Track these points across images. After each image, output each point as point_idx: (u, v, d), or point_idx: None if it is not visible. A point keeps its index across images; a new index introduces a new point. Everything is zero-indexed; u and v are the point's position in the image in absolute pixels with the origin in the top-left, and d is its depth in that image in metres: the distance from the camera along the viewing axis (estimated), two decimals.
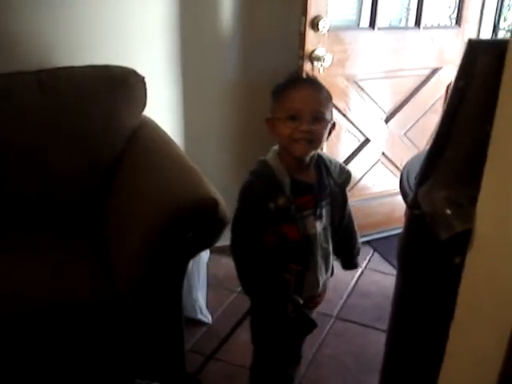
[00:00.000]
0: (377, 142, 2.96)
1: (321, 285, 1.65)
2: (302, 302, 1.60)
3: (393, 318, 1.59)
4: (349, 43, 2.67)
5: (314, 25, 2.50)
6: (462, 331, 1.18)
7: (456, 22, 2.96)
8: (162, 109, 2.63)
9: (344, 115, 2.81)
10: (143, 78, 2.29)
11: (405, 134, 3.04)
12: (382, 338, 2.20)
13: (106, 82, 2.27)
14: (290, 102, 1.48)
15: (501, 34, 3.12)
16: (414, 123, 3.05)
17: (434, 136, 1.14)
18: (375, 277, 2.85)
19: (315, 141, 1.48)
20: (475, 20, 2.99)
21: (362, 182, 3.03)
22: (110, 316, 1.80)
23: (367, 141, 2.93)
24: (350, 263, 1.81)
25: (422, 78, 2.97)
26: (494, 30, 3.07)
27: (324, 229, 1.60)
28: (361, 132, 2.90)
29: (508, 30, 3.57)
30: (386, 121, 2.95)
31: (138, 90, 2.29)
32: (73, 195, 2.18)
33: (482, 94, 1.02)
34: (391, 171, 3.08)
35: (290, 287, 1.56)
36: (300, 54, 2.56)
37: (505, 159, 1.01)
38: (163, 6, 2.47)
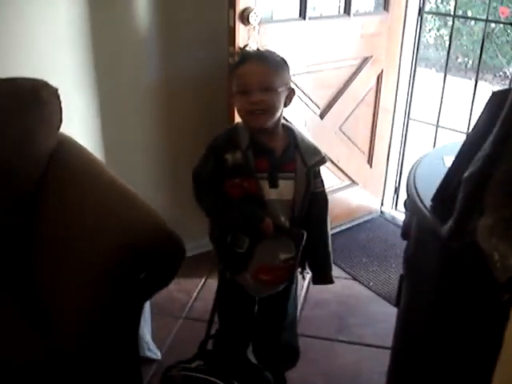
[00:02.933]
0: (313, 139, 2.77)
1: (275, 260, 1.64)
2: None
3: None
4: (281, 36, 2.46)
5: (244, 18, 2.27)
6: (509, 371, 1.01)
7: (384, 8, 2.82)
8: (77, 122, 2.32)
9: None
10: (56, 89, 1.96)
11: (339, 128, 2.89)
12: (347, 350, 2.06)
13: (14, 97, 1.92)
14: (240, 77, 1.59)
15: (425, 18, 3.02)
16: (348, 116, 2.90)
17: (480, 159, 0.95)
18: None
19: (268, 110, 1.57)
20: (402, 5, 2.87)
21: None
22: (52, 377, 1.51)
23: None
24: (321, 275, 1.79)
25: (354, 69, 2.82)
26: (419, 13, 2.97)
27: (281, 201, 1.63)
28: None
29: (430, 12, 3.53)
30: (321, 116, 2.78)
31: (52, 104, 1.95)
32: None
33: None
34: (328, 168, 2.92)
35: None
36: (230, 50, 2.32)
37: None
38: (69, 7, 2.15)
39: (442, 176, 1.21)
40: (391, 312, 2.46)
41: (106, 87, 2.35)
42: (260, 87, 1.55)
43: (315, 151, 1.68)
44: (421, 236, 1.30)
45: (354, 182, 3.08)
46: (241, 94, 1.58)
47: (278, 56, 1.66)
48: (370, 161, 3.13)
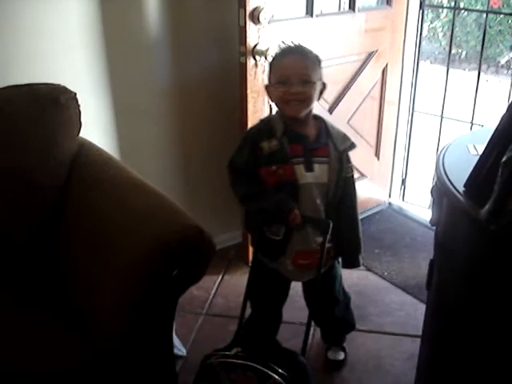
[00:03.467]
0: None
1: (312, 244, 1.78)
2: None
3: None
4: (289, 34, 2.50)
5: (255, 17, 2.31)
6: None
7: (387, 3, 2.87)
8: (93, 125, 2.34)
9: None
10: (75, 94, 1.99)
11: (348, 122, 2.93)
12: (368, 338, 2.33)
13: (34, 103, 1.93)
14: (281, 69, 1.75)
15: (426, 11, 3.07)
16: (356, 110, 2.94)
17: None
18: None
19: (305, 100, 1.73)
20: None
21: None
22: (94, 378, 1.54)
23: None
24: (351, 258, 1.91)
25: (360, 64, 2.87)
26: (420, 7, 3.02)
27: (317, 185, 1.76)
28: None
29: (431, 6, 3.59)
30: (330, 111, 2.82)
31: (71, 109, 1.98)
32: (18, 237, 1.86)
33: None
34: None
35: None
36: (241, 49, 2.36)
37: None
38: (81, 11, 2.18)
39: (470, 163, 1.25)
40: (407, 301, 2.55)
41: (120, 90, 2.38)
42: (300, 79, 1.70)
43: (345, 137, 1.82)
44: (453, 220, 1.34)
45: (362, 175, 3.13)
46: (280, 84, 1.72)
47: (314, 52, 1.81)
48: (377, 153, 3.18)
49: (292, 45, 1.82)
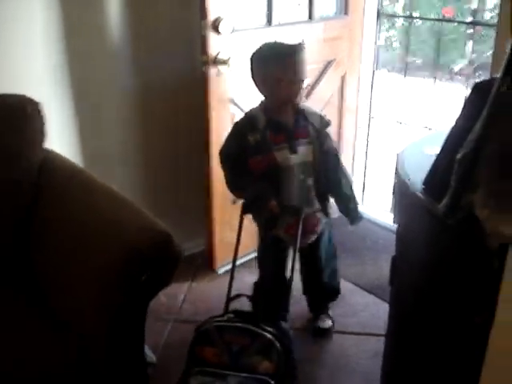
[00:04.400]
0: None
1: (302, 214, 1.99)
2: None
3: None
4: (250, 43, 2.55)
5: (216, 27, 2.36)
6: (504, 334, 1.12)
7: (344, 12, 2.96)
8: (55, 134, 2.34)
9: None
10: (40, 104, 2.01)
11: None
12: (335, 339, 2.41)
13: (0, 113, 1.96)
14: (292, 65, 1.96)
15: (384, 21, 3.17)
16: None
17: (471, 141, 1.06)
18: None
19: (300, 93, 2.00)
20: (361, 8, 3.01)
21: None
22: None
23: None
24: (351, 216, 2.17)
25: (319, 72, 2.94)
26: (377, 16, 3.12)
27: (302, 164, 2.03)
28: None
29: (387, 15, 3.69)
30: None
31: (36, 119, 2.02)
32: None
33: None
34: None
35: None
36: (203, 59, 2.41)
37: None
38: (43, 18, 2.19)
39: (428, 162, 1.32)
40: (371, 301, 2.62)
41: (82, 99, 2.40)
42: (299, 74, 1.99)
43: (320, 117, 2.10)
44: (413, 217, 1.41)
45: None
46: (286, 80, 1.96)
47: None
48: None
49: (296, 43, 2.03)
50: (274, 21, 2.63)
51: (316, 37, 2.83)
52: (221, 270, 2.82)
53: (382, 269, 2.80)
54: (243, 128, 2.05)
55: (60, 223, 1.76)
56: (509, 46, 1.01)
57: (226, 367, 1.77)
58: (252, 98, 2.61)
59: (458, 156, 1.08)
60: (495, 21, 4.83)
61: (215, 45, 2.39)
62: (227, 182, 2.13)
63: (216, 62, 2.41)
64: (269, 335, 1.76)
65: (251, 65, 2.07)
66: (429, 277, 1.36)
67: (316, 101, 2.95)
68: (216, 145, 2.54)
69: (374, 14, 3.10)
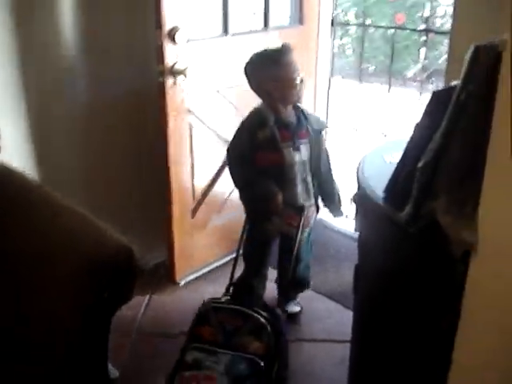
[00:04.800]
0: None
1: (300, 204, 2.22)
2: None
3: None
4: (207, 53, 2.55)
5: (172, 37, 2.34)
6: (468, 336, 1.13)
7: (299, 21, 2.97)
8: (9, 148, 2.27)
9: (210, 127, 2.68)
10: None
11: None
12: (301, 347, 2.41)
13: None
14: (285, 65, 2.14)
15: (338, 29, 3.20)
16: None
17: (431, 150, 1.07)
18: None
19: (298, 92, 2.17)
20: (315, 17, 3.03)
21: (234, 194, 2.92)
22: None
23: None
24: (335, 211, 2.39)
25: None
26: (332, 25, 3.15)
27: (303, 162, 2.19)
28: (226, 142, 2.78)
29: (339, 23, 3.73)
30: None
31: None
32: None
33: (483, 94, 0.96)
34: None
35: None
36: (159, 69, 2.38)
37: (504, 161, 0.97)
38: None
39: (388, 170, 1.33)
40: (335, 308, 2.62)
41: (35, 112, 2.33)
42: (297, 73, 2.17)
43: (319, 120, 2.30)
44: (374, 225, 1.41)
45: None
46: (286, 79, 2.13)
47: None
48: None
49: (286, 43, 2.21)
50: (231, 30, 2.62)
51: (272, 45, 2.83)
52: (182, 282, 2.79)
53: (344, 276, 2.82)
54: (253, 124, 2.18)
55: (16, 239, 1.70)
56: (469, 54, 1.02)
57: (219, 345, 1.91)
58: (209, 107, 2.62)
59: (420, 164, 1.09)
60: (446, 27, 4.94)
61: (171, 55, 2.37)
62: (236, 180, 2.27)
63: (173, 72, 2.39)
64: (261, 318, 1.91)
65: (247, 75, 2.21)
66: (391, 284, 1.37)
67: None
68: (174, 156, 2.52)
69: (328, 23, 3.12)
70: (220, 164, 2.80)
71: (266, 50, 2.21)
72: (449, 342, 1.14)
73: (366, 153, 1.64)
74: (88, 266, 1.49)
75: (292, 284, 2.44)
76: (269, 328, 1.91)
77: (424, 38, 5.97)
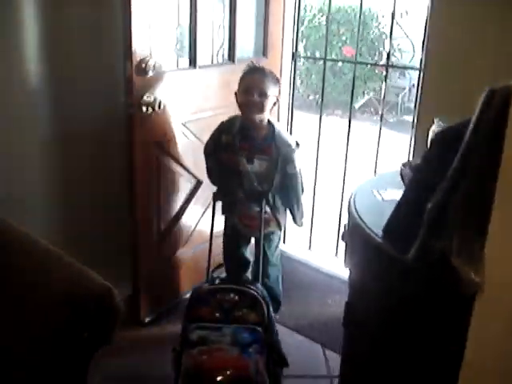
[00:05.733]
0: (208, 184, 2.84)
1: (250, 212, 2.44)
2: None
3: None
4: (176, 85, 2.52)
5: (141, 69, 2.30)
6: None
7: (263, 54, 2.99)
8: None
9: (176, 160, 2.64)
10: None
11: None
12: None
13: None
14: (247, 82, 2.36)
15: (298, 61, 3.23)
16: None
17: (441, 190, 1.07)
18: None
19: (261, 108, 2.33)
20: (278, 50, 3.06)
21: (199, 227, 2.89)
22: None
23: (199, 183, 2.80)
24: (294, 221, 2.56)
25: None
26: (292, 58, 3.18)
27: (256, 173, 2.38)
28: (193, 175, 2.76)
29: (303, 57, 3.77)
30: None
31: None
32: None
33: (494, 135, 0.97)
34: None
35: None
36: (128, 101, 2.34)
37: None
38: None
39: (381, 208, 1.33)
40: (302, 342, 2.59)
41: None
42: (259, 92, 2.30)
43: (287, 143, 2.39)
44: (371, 263, 1.40)
45: None
46: (244, 93, 2.32)
47: (274, 73, 2.45)
48: None
49: (257, 65, 2.45)
50: (198, 62, 2.60)
51: (237, 78, 2.83)
52: (147, 319, 2.71)
53: (309, 308, 2.80)
54: (221, 129, 2.43)
55: None
56: (482, 97, 1.03)
57: (219, 322, 2.07)
58: (176, 140, 2.59)
59: (429, 206, 1.09)
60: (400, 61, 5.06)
61: (140, 86, 2.33)
62: (207, 173, 2.54)
63: (141, 103, 2.35)
64: (253, 291, 2.11)
65: None
66: (392, 321, 1.36)
67: None
68: (141, 188, 2.47)
69: (289, 56, 3.15)
70: (186, 197, 2.76)
71: (251, 63, 2.47)
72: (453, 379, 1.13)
73: (356, 187, 1.64)
74: (66, 306, 1.44)
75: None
76: (261, 299, 2.10)
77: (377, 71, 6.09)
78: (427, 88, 2.41)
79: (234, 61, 2.81)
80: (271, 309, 2.17)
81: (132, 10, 2.21)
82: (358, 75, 7.09)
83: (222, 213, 2.56)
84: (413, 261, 1.14)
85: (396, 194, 1.49)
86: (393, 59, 6.64)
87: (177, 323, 2.57)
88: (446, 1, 2.31)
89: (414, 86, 7.30)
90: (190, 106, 2.63)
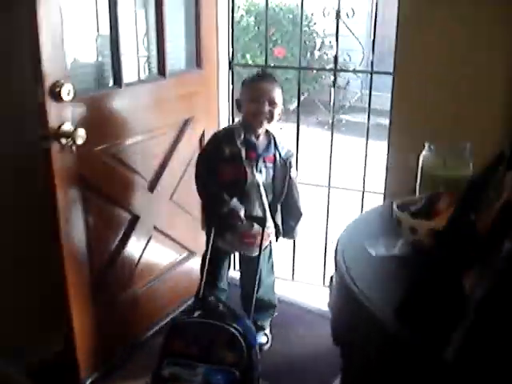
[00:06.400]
0: (147, 217, 2.48)
1: (253, 230, 2.30)
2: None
3: None
4: (100, 109, 2.15)
5: (56, 94, 1.91)
6: None
7: (197, 65, 2.64)
8: None
9: (106, 195, 2.26)
10: None
11: (171, 198, 2.62)
12: None
13: None
14: (255, 90, 2.23)
15: (235, 70, 2.90)
16: (178, 184, 2.64)
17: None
18: None
19: (270, 118, 2.23)
20: (213, 60, 2.73)
21: (145, 263, 2.53)
22: None
23: (136, 218, 2.43)
24: (287, 233, 2.46)
25: (177, 133, 2.58)
26: (229, 68, 2.85)
27: (264, 183, 2.29)
28: (128, 210, 2.38)
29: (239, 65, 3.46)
30: (151, 189, 2.49)
31: None
32: None
33: None
34: (163, 243, 2.64)
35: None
36: (42, 133, 1.94)
37: None
38: None
39: (375, 266, 1.02)
40: None
41: None
42: (269, 101, 2.20)
43: (288, 149, 2.37)
44: (368, 338, 1.08)
45: (191, 253, 2.83)
46: (252, 102, 2.21)
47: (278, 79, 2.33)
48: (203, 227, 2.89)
49: (265, 71, 2.45)
50: (124, 80, 2.23)
51: (170, 94, 2.48)
52: (89, 380, 2.30)
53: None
54: (221, 139, 2.25)
55: None
56: None
57: (195, 358, 1.96)
58: (106, 171, 2.22)
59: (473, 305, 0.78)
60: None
61: (56, 114, 1.94)
62: (199, 184, 2.31)
63: (59, 135, 1.96)
64: (232, 329, 1.96)
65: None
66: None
67: (176, 165, 2.61)
68: (66, 231, 2.08)
69: (226, 65, 2.82)
70: (121, 236, 2.38)
71: (257, 72, 2.39)
72: None
73: (343, 231, 1.33)
74: None
75: (257, 308, 2.33)
76: (240, 339, 1.96)
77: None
78: (398, 92, 2.22)
79: (164, 75, 2.44)
80: (255, 350, 2.03)
81: (39, 21, 1.81)
82: (291, 77, 6.83)
83: (213, 235, 2.31)
84: (451, 358, 0.82)
85: (389, 248, 1.21)
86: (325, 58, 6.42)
87: (132, 376, 2.23)
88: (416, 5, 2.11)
89: (348, 83, 7.09)
90: (118, 131, 2.26)
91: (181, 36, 2.66)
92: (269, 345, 2.54)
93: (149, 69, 2.54)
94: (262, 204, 2.30)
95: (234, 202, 2.21)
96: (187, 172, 2.66)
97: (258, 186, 2.27)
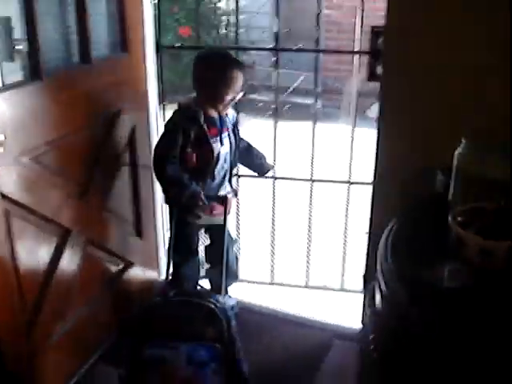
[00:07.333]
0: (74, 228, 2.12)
1: (220, 193, 2.30)
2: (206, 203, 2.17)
3: None
4: (16, 109, 1.76)
5: None
6: None
7: (123, 50, 2.29)
8: None
9: (35, 210, 1.89)
10: None
11: (104, 206, 2.27)
12: None
13: None
14: (239, 78, 2.18)
15: (164, 52, 2.57)
16: (110, 187, 2.31)
17: None
18: None
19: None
20: (139, 42, 2.38)
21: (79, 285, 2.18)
22: None
23: (68, 232, 2.07)
24: (261, 169, 2.49)
25: (106, 129, 2.23)
26: (157, 50, 2.51)
27: (225, 153, 2.28)
28: (58, 224, 2.02)
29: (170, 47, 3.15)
30: (80, 197, 2.13)
31: None
32: None
33: None
34: (98, 257, 2.31)
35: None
36: None
37: None
38: None
39: None
40: None
41: None
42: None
43: (234, 113, 2.36)
44: None
45: (130, 264, 2.51)
46: (238, 90, 2.18)
47: None
48: (138, 231, 2.57)
49: (231, 55, 2.32)
50: (44, 69, 1.85)
51: (95, 84, 2.13)
52: None
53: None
54: (183, 124, 2.16)
55: None
56: None
57: (176, 337, 1.92)
58: (29, 183, 1.85)
59: None
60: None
61: None
62: (160, 179, 2.22)
63: None
64: (209, 304, 1.95)
65: (194, 65, 2.21)
66: None
67: (108, 163, 2.27)
68: None
69: (152, 48, 2.48)
70: (53, 254, 2.02)
71: (217, 51, 2.47)
72: None
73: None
74: None
75: (222, 274, 2.27)
76: (218, 312, 1.95)
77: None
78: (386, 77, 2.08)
79: (89, 62, 2.07)
80: (233, 323, 2.00)
81: None
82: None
83: (181, 215, 2.27)
84: None
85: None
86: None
87: None
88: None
89: (254, 62, 6.78)
90: (39, 133, 1.89)
91: (102, 17, 2.28)
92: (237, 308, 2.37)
93: (68, 57, 2.15)
94: (225, 175, 2.32)
95: (194, 186, 2.15)
96: (120, 172, 2.33)
97: (225, 159, 2.28)
